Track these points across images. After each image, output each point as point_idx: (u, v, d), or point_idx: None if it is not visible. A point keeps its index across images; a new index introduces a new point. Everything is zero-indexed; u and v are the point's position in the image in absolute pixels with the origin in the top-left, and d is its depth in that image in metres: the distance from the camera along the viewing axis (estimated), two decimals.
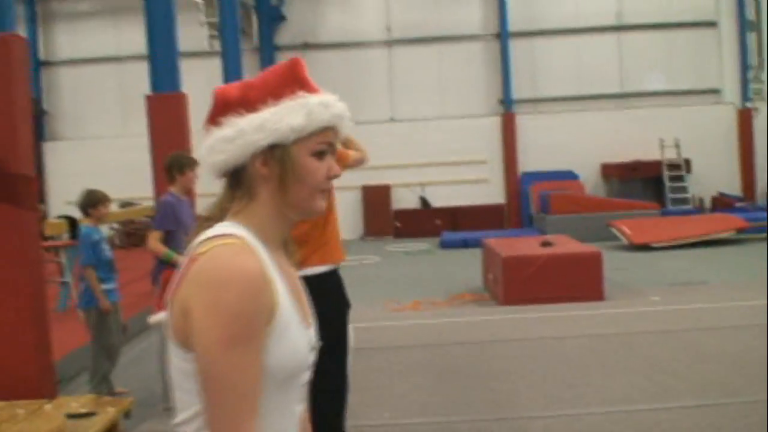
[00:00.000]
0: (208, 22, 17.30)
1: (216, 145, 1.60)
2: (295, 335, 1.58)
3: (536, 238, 11.69)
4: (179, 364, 1.56)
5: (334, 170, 1.62)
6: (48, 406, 5.57)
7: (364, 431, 5.04)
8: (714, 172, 19.96)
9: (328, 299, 3.85)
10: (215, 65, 15.20)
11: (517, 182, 19.95)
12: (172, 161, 6.22)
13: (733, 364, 6.26)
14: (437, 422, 5.29)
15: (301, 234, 3.87)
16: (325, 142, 1.61)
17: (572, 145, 19.80)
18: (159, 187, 10.26)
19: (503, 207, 20.00)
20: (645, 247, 14.46)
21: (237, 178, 1.62)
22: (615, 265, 11.71)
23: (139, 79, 10.97)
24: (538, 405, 5.51)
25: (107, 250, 6.51)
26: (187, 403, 1.58)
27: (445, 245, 16.39)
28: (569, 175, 19.50)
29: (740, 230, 15.35)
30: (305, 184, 1.59)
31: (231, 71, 14.82)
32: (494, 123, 20.06)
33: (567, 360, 6.69)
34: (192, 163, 6.17)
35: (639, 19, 20.17)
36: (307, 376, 1.64)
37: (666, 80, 20.29)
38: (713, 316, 8.21)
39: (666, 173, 19.35)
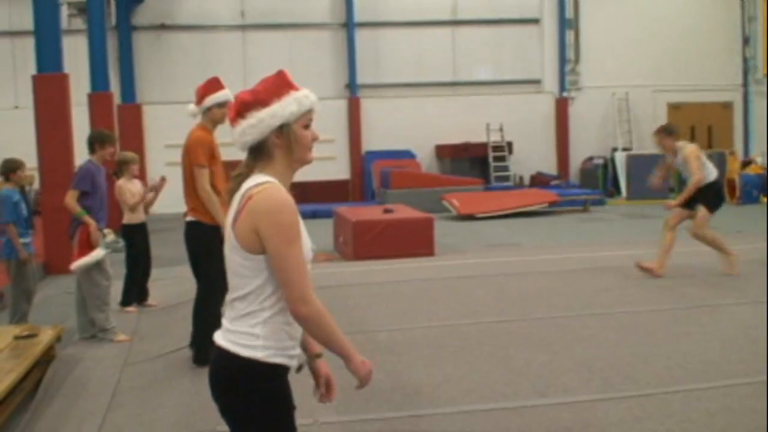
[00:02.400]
0: (68, 1, 17.76)
1: (246, 130, 2.49)
2: (305, 239, 2.50)
3: (379, 207, 13.41)
4: (242, 262, 2.44)
5: (315, 135, 2.58)
6: None
7: None
8: (533, 154, 21.96)
9: None
10: (74, 43, 15.62)
11: (361, 160, 21.29)
12: (94, 136, 7.25)
13: (528, 296, 8.20)
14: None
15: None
16: (309, 119, 2.56)
17: (410, 127, 21.19)
18: (42, 157, 11.21)
19: (348, 182, 21.37)
20: (471, 217, 16.41)
21: (259, 149, 2.50)
22: (445, 231, 13.62)
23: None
24: (383, 323, 7.20)
25: (25, 209, 7.39)
26: (242, 285, 2.47)
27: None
28: (407, 154, 21.03)
29: (552, 203, 17.57)
30: (302, 145, 2.54)
31: (96, 50, 15.26)
32: (341, 105, 21.23)
33: (404, 296, 8.43)
34: (111, 140, 7.24)
35: (471, 15, 21.80)
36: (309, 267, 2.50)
37: (493, 71, 22.14)
38: (520, 266, 10.19)
39: (491, 154, 21.17)
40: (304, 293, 2.39)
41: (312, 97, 2.57)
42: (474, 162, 21.47)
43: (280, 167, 2.52)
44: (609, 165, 21.37)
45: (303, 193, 19.85)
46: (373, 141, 21.42)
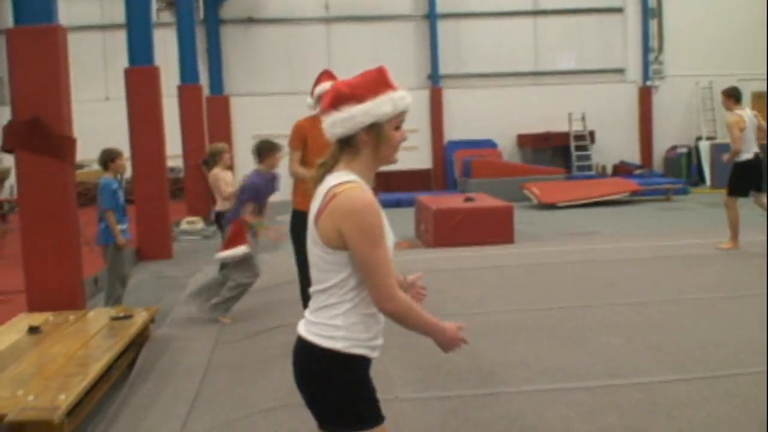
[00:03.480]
0: None
1: (337, 123, 2.48)
2: (389, 236, 2.53)
3: (460, 195, 13.67)
4: (324, 256, 2.47)
5: (404, 136, 2.58)
6: (91, 314, 6.90)
7: None
8: (616, 143, 21.86)
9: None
10: (164, 36, 16.02)
11: (443, 149, 21.51)
12: (261, 146, 7.45)
13: (604, 283, 8.38)
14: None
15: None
16: (401, 120, 2.55)
17: (492, 117, 21.30)
18: (135, 148, 11.76)
19: (430, 171, 21.62)
20: (551, 206, 16.53)
21: (347, 142, 2.50)
22: (525, 220, 13.82)
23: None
24: (462, 307, 7.51)
25: (122, 197, 7.72)
26: (324, 278, 2.50)
27: (381, 205, 18.07)
28: (489, 144, 21.17)
29: (634, 193, 17.55)
30: (390, 146, 2.54)
31: (185, 43, 15.84)
32: (423, 96, 21.43)
33: (483, 282, 8.71)
34: (275, 149, 7.42)
35: (553, 4, 21.79)
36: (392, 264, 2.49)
37: (575, 60, 22.09)
38: (598, 254, 10.34)
39: (573, 143, 21.18)
40: (390, 292, 2.42)
41: (408, 99, 2.57)
42: (556, 151, 21.50)
43: (364, 163, 2.53)
44: (693, 154, 21.11)
45: (386, 182, 20.14)
46: (454, 131, 21.62)
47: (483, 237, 11.23)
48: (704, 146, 20.58)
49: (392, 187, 19.32)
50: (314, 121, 6.05)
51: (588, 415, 4.73)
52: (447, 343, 2.59)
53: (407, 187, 19.67)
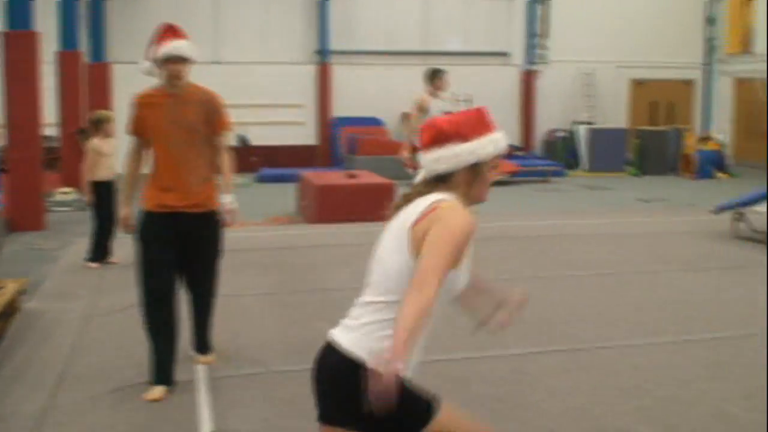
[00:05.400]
0: None
1: (442, 159, 2.55)
2: (463, 268, 2.59)
3: (344, 172, 13.73)
4: (403, 269, 2.45)
5: (494, 177, 2.64)
6: None
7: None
8: (499, 124, 22.33)
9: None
10: (44, 1, 15.31)
11: (329, 126, 21.50)
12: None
13: (479, 260, 8.61)
14: (270, 293, 7.29)
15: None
16: (497, 161, 2.63)
17: (379, 95, 21.23)
18: (10, 114, 11.36)
19: (316, 148, 21.59)
20: None
21: (443, 178, 2.57)
22: None
23: None
24: (340, 279, 7.61)
25: None
26: (392, 290, 2.47)
27: (263, 180, 17.74)
28: (375, 122, 21.20)
29: (513, 173, 17.99)
30: (484, 185, 2.62)
31: (66, 8, 15.35)
32: (311, 71, 21.37)
33: (362, 258, 8.80)
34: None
35: None
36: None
37: (463, 42, 22.37)
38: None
39: None
40: (429, 289, 2.33)
41: (504, 141, 2.64)
42: None
43: (456, 198, 2.57)
44: (572, 138, 21.78)
45: (272, 157, 20.04)
46: (342, 108, 21.59)
47: (365, 213, 11.28)
48: (582, 130, 21.27)
49: (277, 162, 19.17)
50: (158, 96, 5.05)
51: (456, 385, 4.92)
52: (382, 380, 2.21)
53: (292, 162, 19.46)
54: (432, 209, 2.47)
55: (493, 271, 7.99)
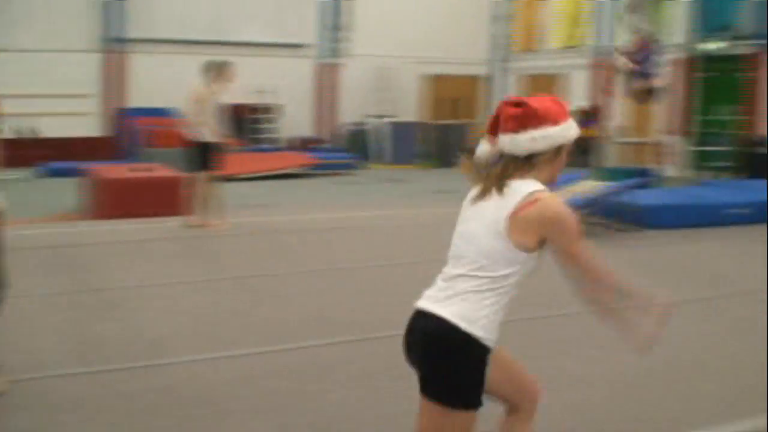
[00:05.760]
0: None
1: (538, 139, 2.69)
2: None
3: (131, 166, 13.14)
4: (503, 251, 2.65)
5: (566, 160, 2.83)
6: None
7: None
8: (297, 117, 22.24)
9: None
10: None
11: (121, 116, 20.61)
12: None
13: (269, 253, 8.52)
14: (72, 291, 6.79)
15: None
16: (571, 147, 2.81)
17: (174, 85, 20.48)
18: None
19: (105, 139, 20.67)
20: (229, 178, 16.45)
21: (528, 158, 2.71)
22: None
23: None
24: (117, 281, 7.23)
25: None
26: (488, 268, 2.66)
27: (54, 173, 16.84)
28: (170, 113, 20.66)
29: (311, 166, 18.01)
30: (559, 167, 2.80)
31: None
32: (101, 60, 20.55)
33: (145, 255, 8.46)
34: None
35: None
36: None
37: (260, 33, 22.05)
38: (272, 225, 10.51)
39: (250, 116, 21.23)
40: (596, 263, 2.71)
41: (577, 127, 2.82)
42: (234, 123, 21.25)
43: (535, 179, 2.73)
44: (371, 131, 22.08)
45: (63, 149, 18.75)
46: (134, 98, 20.79)
47: (151, 208, 10.84)
48: (380, 124, 21.61)
49: (63, 155, 18.11)
50: None
51: (249, 379, 4.88)
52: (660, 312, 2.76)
53: (85, 155, 18.24)
54: (534, 200, 2.64)
55: (293, 264, 7.93)
